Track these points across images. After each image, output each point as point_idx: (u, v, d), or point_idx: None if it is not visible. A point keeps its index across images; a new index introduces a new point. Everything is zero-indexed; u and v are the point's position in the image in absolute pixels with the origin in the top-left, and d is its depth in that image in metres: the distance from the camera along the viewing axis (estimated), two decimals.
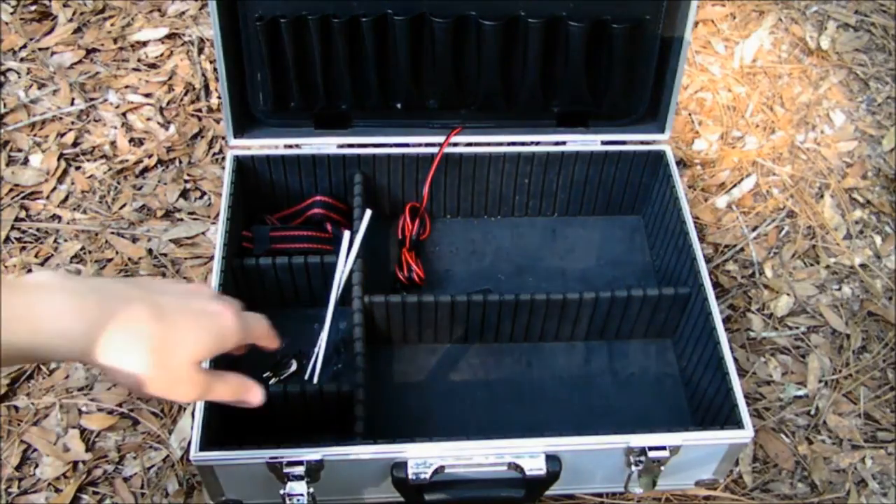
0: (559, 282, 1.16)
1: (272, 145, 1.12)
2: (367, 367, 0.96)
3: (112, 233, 1.25)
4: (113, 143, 1.35)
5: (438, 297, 1.02)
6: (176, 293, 0.62)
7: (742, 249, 1.28)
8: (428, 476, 0.87)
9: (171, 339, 0.59)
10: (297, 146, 1.12)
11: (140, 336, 0.57)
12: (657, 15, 1.05)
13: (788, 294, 1.23)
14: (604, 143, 1.14)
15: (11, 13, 1.51)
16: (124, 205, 1.28)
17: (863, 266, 1.27)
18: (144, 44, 1.49)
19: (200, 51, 1.48)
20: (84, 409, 1.08)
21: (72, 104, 1.40)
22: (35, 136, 1.36)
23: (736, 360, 1.03)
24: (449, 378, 1.09)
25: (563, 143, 1.14)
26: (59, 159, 1.32)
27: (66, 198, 1.29)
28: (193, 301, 0.62)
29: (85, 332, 0.55)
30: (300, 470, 0.85)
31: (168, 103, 1.41)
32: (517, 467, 0.88)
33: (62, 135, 1.36)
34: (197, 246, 1.24)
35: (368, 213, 1.09)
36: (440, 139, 1.12)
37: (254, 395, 0.68)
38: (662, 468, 0.92)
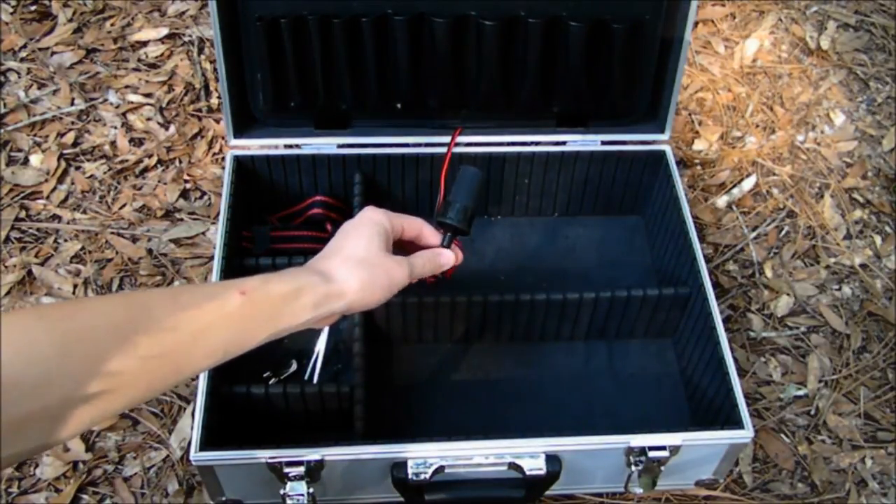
0: (559, 282, 1.16)
1: (272, 145, 1.12)
2: (366, 367, 0.96)
3: (112, 233, 1.25)
4: (113, 143, 1.35)
5: (439, 297, 1.02)
6: (335, 239, 0.76)
7: (742, 249, 1.28)
8: (428, 476, 0.87)
9: (349, 254, 0.73)
10: (297, 146, 1.12)
11: (344, 290, 0.71)
12: (657, 15, 1.05)
13: (788, 294, 1.23)
14: (604, 143, 1.14)
15: (11, 13, 1.51)
16: (124, 205, 1.28)
17: (863, 266, 1.27)
18: (144, 44, 1.49)
19: (200, 51, 1.48)
20: None
21: (72, 104, 1.40)
22: (35, 136, 1.36)
23: (736, 360, 1.02)
24: (449, 378, 1.09)
25: (563, 143, 1.14)
26: (59, 159, 1.32)
27: (66, 198, 1.29)
28: (344, 229, 0.77)
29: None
30: (300, 470, 0.86)
31: (168, 103, 1.41)
32: (517, 467, 0.88)
33: (62, 135, 1.36)
34: (197, 246, 1.24)
35: None
36: (440, 139, 1.12)
37: (446, 258, 0.82)
38: (662, 468, 0.92)
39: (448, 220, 0.83)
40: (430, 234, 0.82)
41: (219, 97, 1.39)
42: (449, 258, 0.82)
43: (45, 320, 0.53)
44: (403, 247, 0.81)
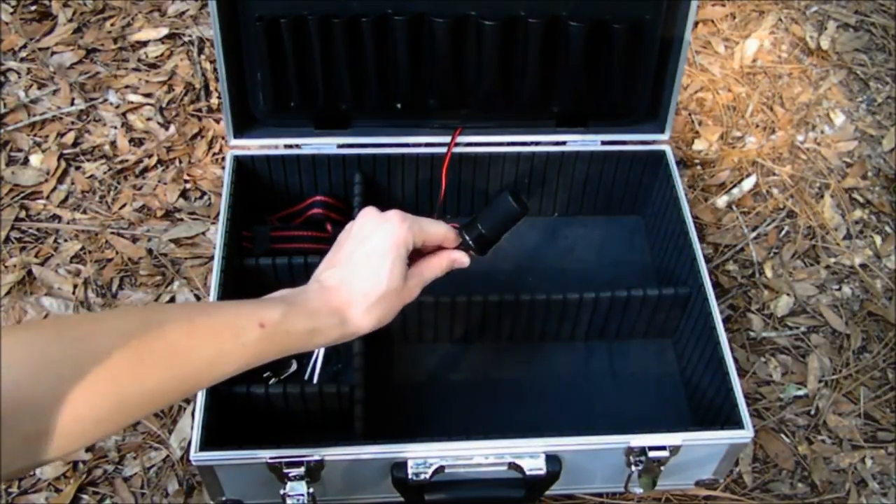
0: (559, 282, 1.16)
1: (272, 145, 1.12)
2: (366, 367, 0.96)
3: (112, 233, 1.25)
4: (113, 143, 1.35)
5: (438, 297, 1.02)
6: (356, 248, 0.73)
7: (742, 249, 1.28)
8: (428, 476, 0.87)
9: (369, 288, 0.71)
10: (297, 146, 1.12)
11: (355, 317, 0.71)
12: (657, 15, 1.05)
13: (788, 294, 1.23)
14: (604, 143, 1.14)
15: (11, 13, 1.51)
16: (124, 205, 1.28)
17: (863, 266, 1.27)
18: (144, 44, 1.49)
19: (200, 51, 1.48)
20: None
21: (72, 104, 1.40)
22: (35, 136, 1.36)
23: (736, 360, 1.02)
24: (449, 378, 1.09)
25: (563, 143, 1.14)
26: (59, 159, 1.32)
27: (66, 198, 1.29)
28: (365, 240, 0.73)
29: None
30: (300, 470, 0.86)
31: (168, 103, 1.41)
32: (517, 467, 0.88)
33: (62, 135, 1.36)
34: (197, 246, 1.24)
35: None
36: (440, 139, 1.12)
37: (460, 262, 0.80)
38: (662, 468, 0.92)
39: (467, 241, 0.80)
40: (452, 241, 0.80)
41: (219, 97, 1.39)
42: (463, 262, 0.80)
43: (64, 340, 0.54)
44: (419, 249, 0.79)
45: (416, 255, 0.78)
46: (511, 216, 0.80)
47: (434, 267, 0.78)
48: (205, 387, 0.63)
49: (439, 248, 0.80)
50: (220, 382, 0.64)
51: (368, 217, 0.76)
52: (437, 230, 0.78)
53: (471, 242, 0.80)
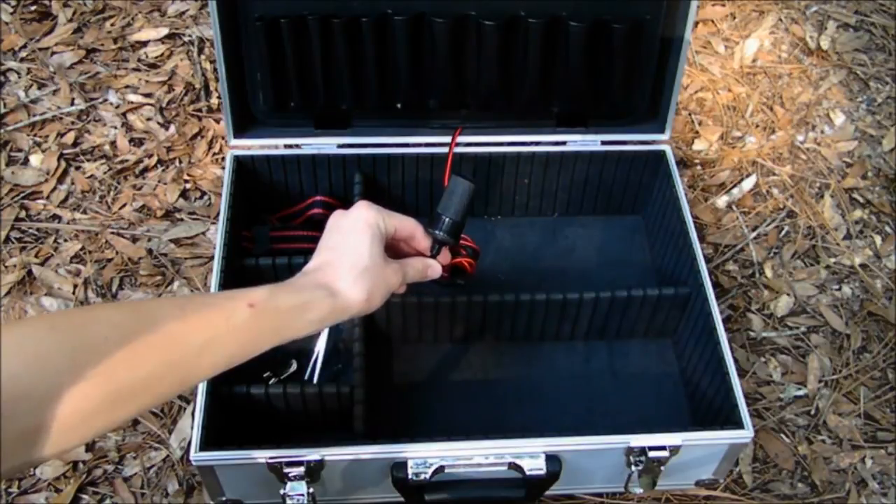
0: (559, 282, 1.16)
1: (272, 145, 1.12)
2: (366, 367, 0.96)
3: (112, 233, 1.25)
4: (113, 143, 1.35)
5: (439, 297, 1.02)
6: (331, 237, 0.76)
7: (742, 249, 1.28)
8: (428, 476, 0.87)
9: (353, 266, 0.73)
10: (297, 146, 1.12)
11: (345, 298, 0.72)
12: (657, 15, 1.05)
13: (788, 294, 1.23)
14: (604, 143, 1.14)
15: (11, 13, 1.51)
16: (124, 205, 1.28)
17: (863, 266, 1.27)
18: (144, 44, 1.49)
19: (200, 51, 1.48)
20: None
21: (72, 104, 1.40)
22: (35, 136, 1.36)
23: (736, 360, 1.03)
24: (449, 378, 1.09)
25: (563, 143, 1.14)
26: (59, 159, 1.32)
27: (66, 198, 1.29)
28: (339, 227, 0.76)
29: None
30: (300, 470, 0.86)
31: (168, 103, 1.41)
32: (517, 467, 0.88)
33: (62, 135, 1.36)
34: (197, 246, 1.24)
35: None
36: (440, 139, 1.12)
37: (434, 270, 0.83)
38: (662, 468, 0.92)
39: (436, 234, 0.84)
40: (422, 237, 0.83)
41: (219, 97, 1.39)
42: (436, 270, 0.84)
43: (58, 332, 0.54)
44: (392, 246, 0.81)
45: (395, 254, 0.81)
46: (468, 192, 0.85)
47: (415, 265, 0.81)
48: (200, 378, 0.63)
49: (417, 253, 0.83)
50: (217, 378, 0.64)
51: (336, 215, 0.79)
52: (405, 221, 0.81)
53: (442, 234, 0.84)
